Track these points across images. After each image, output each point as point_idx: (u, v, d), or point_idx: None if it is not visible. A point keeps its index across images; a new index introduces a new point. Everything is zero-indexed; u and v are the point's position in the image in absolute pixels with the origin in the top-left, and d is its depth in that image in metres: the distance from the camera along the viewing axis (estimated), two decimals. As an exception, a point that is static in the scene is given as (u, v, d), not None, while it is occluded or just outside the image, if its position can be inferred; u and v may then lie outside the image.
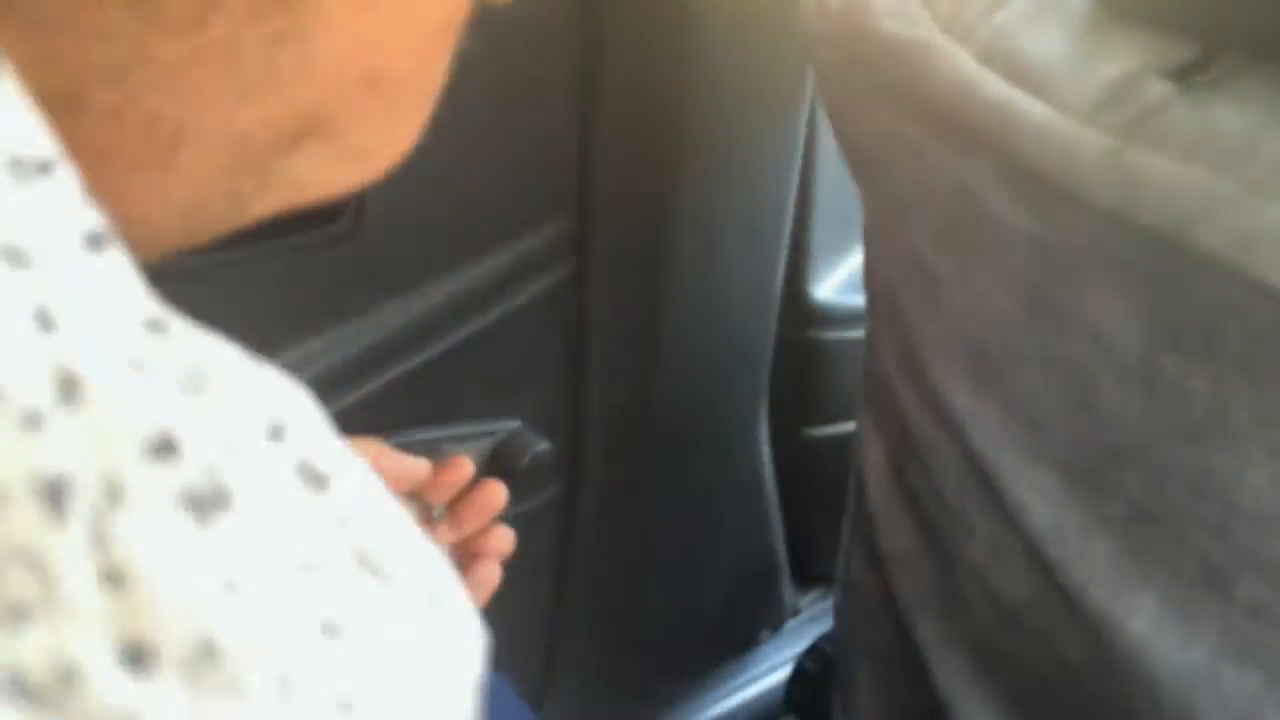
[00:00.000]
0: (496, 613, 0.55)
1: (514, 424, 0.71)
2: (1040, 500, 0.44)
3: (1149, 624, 0.41)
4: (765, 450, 0.87)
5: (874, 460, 0.59)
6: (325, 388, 0.61)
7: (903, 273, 0.50)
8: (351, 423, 0.62)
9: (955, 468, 0.49)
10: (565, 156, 0.66)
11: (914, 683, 0.57)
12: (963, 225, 0.42)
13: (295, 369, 0.58)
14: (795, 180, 0.74)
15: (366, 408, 0.63)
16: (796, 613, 1.07)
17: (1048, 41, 0.36)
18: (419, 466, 0.53)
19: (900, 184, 0.45)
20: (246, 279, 0.56)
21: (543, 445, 0.70)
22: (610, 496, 0.81)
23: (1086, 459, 0.42)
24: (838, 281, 0.86)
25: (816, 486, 0.94)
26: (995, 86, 0.35)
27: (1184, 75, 0.32)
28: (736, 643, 0.97)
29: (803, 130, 0.73)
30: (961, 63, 0.35)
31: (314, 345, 0.60)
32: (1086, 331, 0.38)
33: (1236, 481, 0.36)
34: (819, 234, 0.83)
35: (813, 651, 0.89)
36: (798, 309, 0.85)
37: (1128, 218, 0.32)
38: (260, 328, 0.57)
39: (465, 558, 0.50)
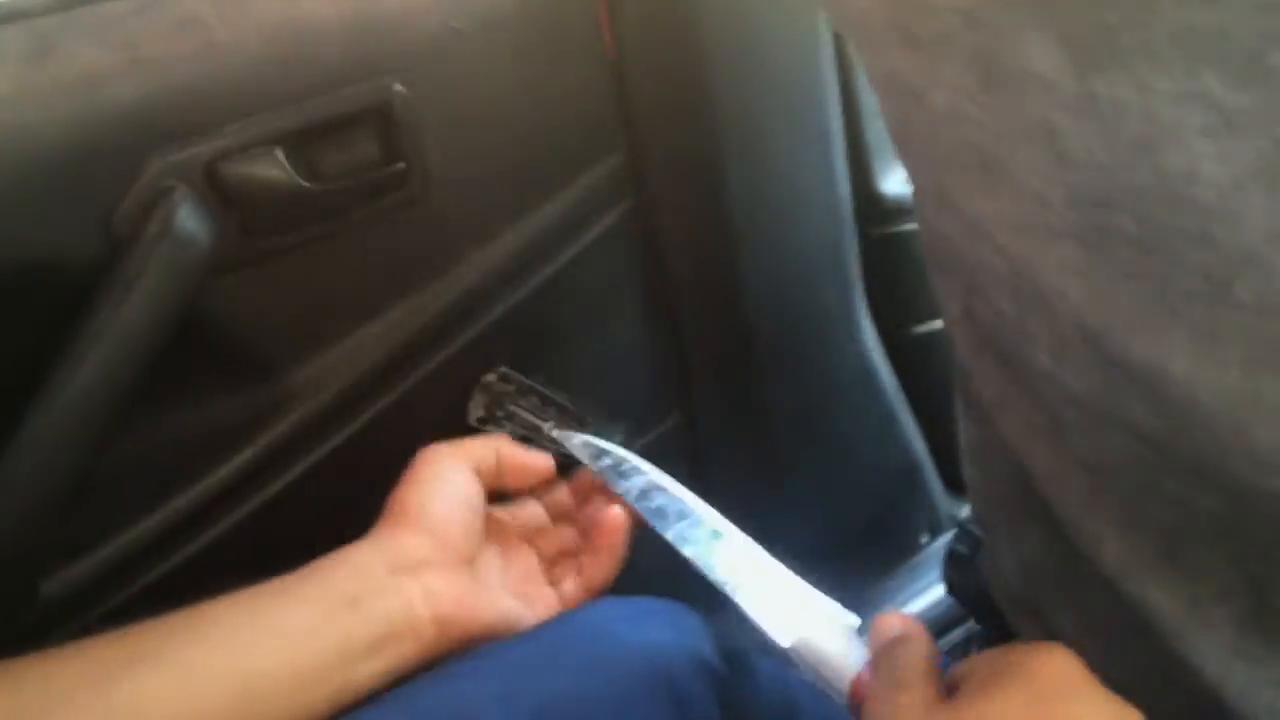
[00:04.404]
0: (645, 549, 0.61)
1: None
2: (1069, 275, 0.45)
3: (1188, 360, 0.41)
4: (874, 348, 0.89)
5: (952, 314, 0.59)
6: (427, 342, 0.68)
7: (900, 104, 0.51)
8: (457, 371, 0.69)
9: (1004, 280, 0.50)
10: (605, 99, 0.71)
11: (1041, 524, 0.57)
12: (915, 23, 0.43)
13: (398, 327, 0.66)
14: (832, 79, 0.77)
15: (469, 354, 0.69)
16: (957, 522, 1.06)
17: None
18: (543, 462, 0.59)
19: (859, 5, 0.47)
20: (333, 252, 0.63)
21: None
22: (731, 414, 0.84)
23: (1085, 216, 0.42)
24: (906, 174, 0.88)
25: (939, 383, 0.94)
26: None
27: None
28: (893, 549, 0.98)
29: (825, 28, 0.76)
30: None
31: (412, 302, 0.67)
32: (1033, 81, 0.39)
33: (1192, 178, 0.36)
34: (875, 130, 0.86)
35: (960, 533, 0.89)
36: (873, 206, 0.88)
37: None
38: (355, 294, 0.65)
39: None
